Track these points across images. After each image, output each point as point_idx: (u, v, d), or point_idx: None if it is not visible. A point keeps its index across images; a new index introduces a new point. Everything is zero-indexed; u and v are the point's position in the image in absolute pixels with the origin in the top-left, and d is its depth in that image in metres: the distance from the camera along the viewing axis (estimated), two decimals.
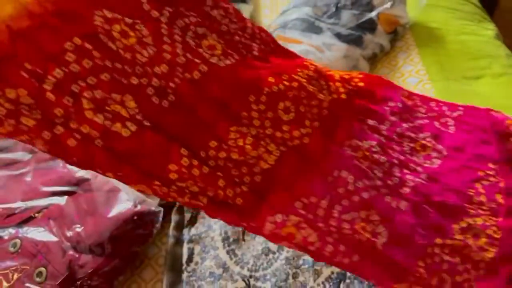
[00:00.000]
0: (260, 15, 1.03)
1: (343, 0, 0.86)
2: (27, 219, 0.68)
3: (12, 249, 0.65)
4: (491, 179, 0.54)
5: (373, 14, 0.84)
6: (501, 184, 0.54)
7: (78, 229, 0.65)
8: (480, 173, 0.55)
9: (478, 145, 0.58)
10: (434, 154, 0.57)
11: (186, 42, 0.48)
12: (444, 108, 0.62)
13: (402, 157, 0.55)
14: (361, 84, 0.60)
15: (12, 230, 0.67)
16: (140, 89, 0.44)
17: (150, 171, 0.43)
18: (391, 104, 0.60)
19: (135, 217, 0.65)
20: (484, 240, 0.50)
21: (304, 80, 0.53)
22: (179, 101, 0.46)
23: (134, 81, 0.44)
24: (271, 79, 0.51)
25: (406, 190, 0.52)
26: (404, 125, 0.59)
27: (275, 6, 1.02)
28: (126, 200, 0.66)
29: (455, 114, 0.62)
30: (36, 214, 0.68)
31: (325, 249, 0.48)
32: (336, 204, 0.49)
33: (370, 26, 0.84)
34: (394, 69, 0.85)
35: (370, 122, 0.57)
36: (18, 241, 0.66)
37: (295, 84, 0.52)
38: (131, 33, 0.44)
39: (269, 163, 0.49)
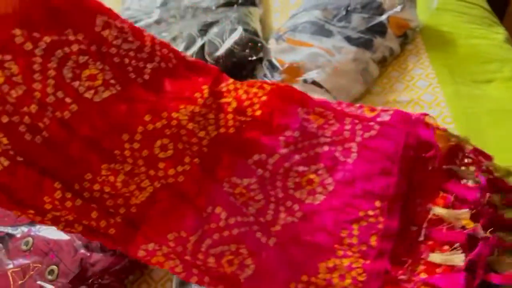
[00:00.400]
0: (270, 18, 1.03)
1: (353, 3, 0.86)
2: None
3: (24, 247, 0.66)
4: (371, 220, 0.55)
5: (383, 17, 0.85)
6: (380, 226, 0.54)
7: None
8: (360, 214, 0.55)
9: (374, 177, 0.57)
10: (319, 189, 0.57)
11: (61, 76, 0.49)
12: (357, 127, 0.61)
13: (281, 195, 0.56)
14: (258, 113, 0.59)
15: (24, 229, 0.68)
16: (11, 127, 0.46)
17: (24, 201, 0.46)
18: (287, 133, 0.59)
19: None
20: (348, 281, 0.52)
21: (186, 118, 0.54)
22: (51, 138, 0.48)
23: (5, 119, 0.45)
24: (147, 118, 0.52)
25: (277, 228, 0.54)
26: (297, 156, 0.59)
27: (285, 9, 1.03)
28: None
29: (366, 136, 0.60)
30: None
31: (190, 279, 0.51)
32: (207, 238, 0.51)
33: (380, 30, 0.84)
34: (404, 72, 0.85)
35: (256, 157, 0.58)
36: (30, 239, 0.66)
37: (174, 122, 0.54)
38: None
39: (140, 199, 0.51)
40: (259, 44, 0.85)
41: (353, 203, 0.56)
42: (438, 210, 0.54)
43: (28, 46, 0.47)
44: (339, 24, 0.85)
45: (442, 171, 0.58)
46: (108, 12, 0.54)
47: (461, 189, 0.55)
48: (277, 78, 0.81)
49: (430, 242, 0.52)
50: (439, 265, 0.50)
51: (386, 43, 0.84)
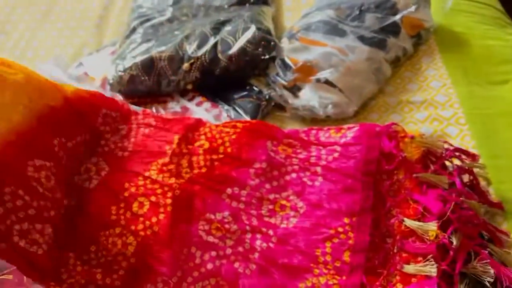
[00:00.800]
0: (282, 17, 1.03)
1: (367, 2, 0.86)
2: None
3: None
4: (341, 236, 0.58)
5: (397, 17, 0.84)
6: (351, 241, 0.57)
7: None
8: (331, 231, 0.58)
9: (340, 196, 0.60)
10: (292, 213, 0.61)
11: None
12: (322, 152, 0.65)
13: (255, 223, 0.60)
14: (229, 150, 0.65)
15: None
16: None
17: (48, 275, 0.54)
18: (256, 165, 0.64)
19: None
20: None
21: (156, 171, 0.63)
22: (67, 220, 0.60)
23: (52, 213, 0.56)
24: (126, 185, 0.61)
25: (255, 255, 0.58)
26: (267, 185, 0.63)
27: (297, 8, 1.03)
28: None
29: (329, 159, 0.63)
30: None
31: None
32: (188, 277, 0.56)
33: (393, 29, 0.84)
34: (418, 73, 0.85)
35: (229, 191, 0.62)
36: None
37: (148, 181, 0.62)
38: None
39: (130, 252, 0.57)
40: (272, 43, 0.85)
41: (323, 223, 0.59)
42: (409, 223, 0.55)
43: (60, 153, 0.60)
44: (352, 23, 0.85)
45: (412, 180, 0.59)
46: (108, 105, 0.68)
47: (428, 200, 0.57)
48: (289, 77, 0.81)
49: (404, 254, 0.54)
50: (414, 275, 0.52)
51: (400, 43, 0.84)
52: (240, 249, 0.58)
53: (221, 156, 0.64)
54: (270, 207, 0.61)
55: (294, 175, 0.64)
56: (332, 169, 0.62)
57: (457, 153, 0.62)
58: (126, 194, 0.61)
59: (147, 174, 0.63)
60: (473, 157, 0.62)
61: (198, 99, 0.85)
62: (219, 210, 0.61)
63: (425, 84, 0.82)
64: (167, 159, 0.63)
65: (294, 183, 0.63)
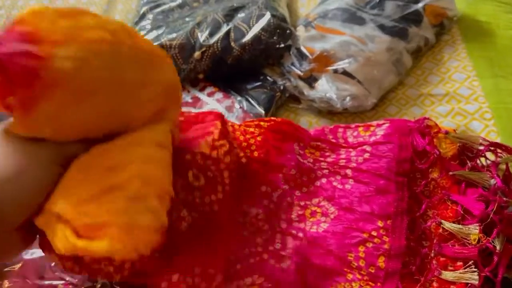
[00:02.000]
0: (296, 4, 0.99)
1: None
2: None
3: None
4: (375, 240, 0.54)
5: (419, 5, 0.80)
6: (386, 246, 0.53)
7: None
8: (364, 235, 0.55)
9: (372, 198, 0.57)
10: (323, 219, 0.57)
11: None
12: (352, 154, 0.60)
13: (285, 226, 0.57)
14: (255, 154, 0.60)
15: None
16: None
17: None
18: (285, 171, 0.60)
19: None
20: None
21: (208, 148, 0.54)
22: None
23: None
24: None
25: (288, 251, 0.54)
26: (297, 192, 0.59)
27: None
28: None
29: (360, 160, 0.59)
30: None
31: None
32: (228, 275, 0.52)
33: (415, 18, 0.80)
34: (439, 64, 0.81)
35: (264, 188, 0.58)
36: None
37: (198, 156, 0.54)
38: None
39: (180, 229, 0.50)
40: (287, 31, 0.81)
41: (356, 226, 0.55)
42: (448, 225, 0.52)
43: None
44: (372, 11, 0.81)
45: (449, 178, 0.55)
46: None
47: (468, 201, 0.53)
48: (305, 67, 0.77)
49: (442, 259, 0.51)
50: (453, 283, 0.49)
51: (421, 32, 0.80)
52: (271, 248, 0.55)
53: (250, 156, 0.60)
54: (300, 212, 0.58)
55: (324, 180, 0.60)
56: (363, 171, 0.58)
57: (492, 148, 0.57)
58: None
59: (196, 149, 0.54)
60: (510, 151, 0.57)
61: (210, 89, 0.82)
62: (254, 205, 0.57)
63: (447, 76, 0.78)
64: (216, 135, 0.56)
65: (324, 188, 0.59)
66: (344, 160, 0.60)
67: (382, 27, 0.78)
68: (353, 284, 0.52)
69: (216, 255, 0.51)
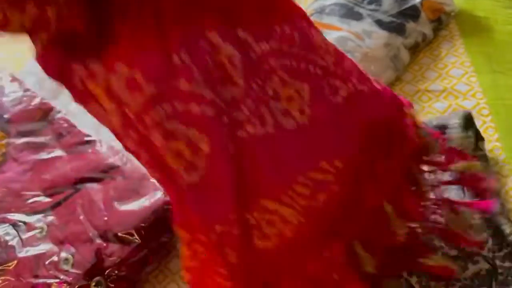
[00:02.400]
0: None
1: None
2: (54, 205, 0.66)
3: (39, 235, 0.64)
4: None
5: (416, 0, 0.79)
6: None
7: (106, 217, 0.63)
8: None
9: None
10: (294, 113, 0.46)
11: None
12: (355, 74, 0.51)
13: (259, 95, 0.45)
14: None
15: (39, 216, 0.65)
16: None
17: None
18: (285, 28, 0.47)
19: (166, 206, 0.63)
20: None
21: None
22: None
23: None
24: None
25: (243, 134, 0.44)
26: (286, 61, 0.47)
27: None
28: (156, 189, 0.64)
29: (359, 87, 0.50)
30: (63, 201, 0.66)
31: None
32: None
33: (413, 13, 0.79)
34: (437, 59, 0.80)
35: (242, 31, 0.44)
36: (45, 227, 0.64)
37: None
38: None
39: None
40: None
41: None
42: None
43: None
44: (369, 6, 0.80)
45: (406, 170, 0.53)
46: None
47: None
48: None
49: None
50: None
51: (419, 28, 0.79)
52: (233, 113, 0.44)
53: None
54: (278, 89, 0.45)
55: (319, 71, 0.49)
56: (350, 103, 0.49)
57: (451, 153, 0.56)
58: None
59: None
60: (466, 157, 0.57)
61: None
62: (227, 40, 0.43)
63: (445, 72, 0.78)
64: None
65: (313, 81, 0.48)
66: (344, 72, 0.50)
67: (379, 23, 0.78)
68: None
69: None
